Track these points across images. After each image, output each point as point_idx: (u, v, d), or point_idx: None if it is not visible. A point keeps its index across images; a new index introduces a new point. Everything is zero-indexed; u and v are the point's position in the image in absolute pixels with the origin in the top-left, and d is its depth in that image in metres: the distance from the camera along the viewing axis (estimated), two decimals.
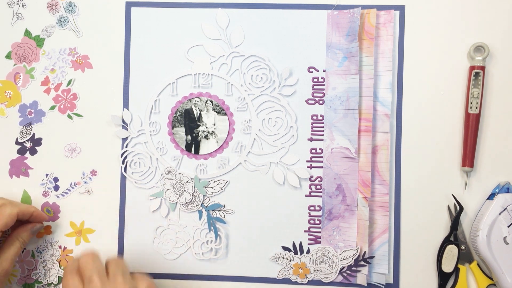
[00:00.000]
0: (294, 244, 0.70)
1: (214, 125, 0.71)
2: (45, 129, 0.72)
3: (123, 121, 0.71)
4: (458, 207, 0.68)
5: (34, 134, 0.72)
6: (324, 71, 0.70)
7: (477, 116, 0.67)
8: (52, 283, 0.71)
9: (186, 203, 0.70)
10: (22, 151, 0.72)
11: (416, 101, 0.70)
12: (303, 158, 0.70)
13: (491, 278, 0.68)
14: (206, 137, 0.71)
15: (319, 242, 0.70)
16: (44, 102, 0.72)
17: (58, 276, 0.71)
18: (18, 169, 0.72)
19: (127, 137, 0.71)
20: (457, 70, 0.69)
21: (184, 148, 0.71)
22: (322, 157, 0.70)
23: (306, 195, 0.70)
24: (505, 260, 0.66)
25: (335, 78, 0.70)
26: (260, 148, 0.70)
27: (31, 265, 0.71)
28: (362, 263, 0.68)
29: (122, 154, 0.71)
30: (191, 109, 0.71)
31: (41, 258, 0.71)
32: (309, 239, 0.70)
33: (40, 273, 0.71)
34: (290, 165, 0.70)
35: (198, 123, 0.71)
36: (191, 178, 0.70)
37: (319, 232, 0.70)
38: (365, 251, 0.68)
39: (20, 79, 0.72)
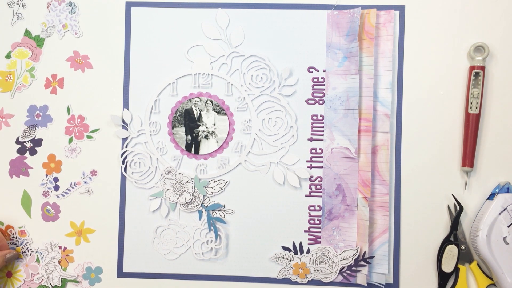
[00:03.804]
0: (294, 244, 0.70)
1: (214, 125, 0.71)
2: (47, 132, 0.72)
3: (123, 121, 0.71)
4: (458, 207, 0.68)
5: (35, 136, 0.72)
6: (324, 71, 0.70)
7: (477, 116, 0.67)
8: (56, 285, 0.71)
9: (186, 203, 0.70)
10: (22, 150, 0.72)
11: (416, 101, 0.70)
12: (303, 158, 0.70)
13: (491, 278, 0.68)
14: (206, 137, 0.71)
15: (319, 242, 0.70)
16: (52, 106, 0.72)
17: (62, 278, 0.71)
18: (18, 169, 0.72)
19: (127, 137, 0.71)
20: (457, 70, 0.69)
21: (184, 148, 0.71)
22: (322, 157, 0.70)
23: (306, 195, 0.70)
24: (505, 260, 0.66)
25: (335, 78, 0.70)
26: (260, 148, 0.70)
27: (35, 270, 0.71)
28: (362, 263, 0.68)
29: (122, 154, 0.71)
30: (191, 109, 0.71)
31: (42, 262, 0.71)
32: (309, 239, 0.70)
33: (43, 276, 0.71)
34: (290, 165, 0.70)
35: (198, 123, 0.71)
36: (191, 178, 0.70)
37: (319, 232, 0.70)
38: (365, 251, 0.68)
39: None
